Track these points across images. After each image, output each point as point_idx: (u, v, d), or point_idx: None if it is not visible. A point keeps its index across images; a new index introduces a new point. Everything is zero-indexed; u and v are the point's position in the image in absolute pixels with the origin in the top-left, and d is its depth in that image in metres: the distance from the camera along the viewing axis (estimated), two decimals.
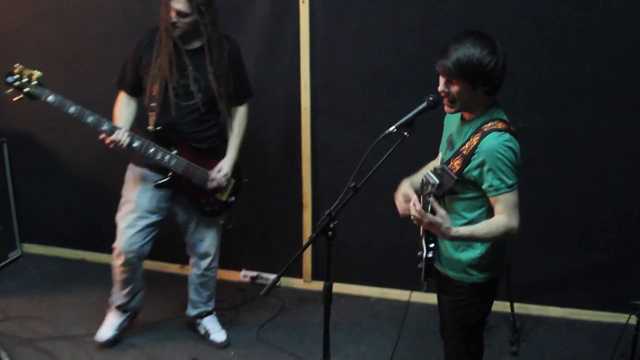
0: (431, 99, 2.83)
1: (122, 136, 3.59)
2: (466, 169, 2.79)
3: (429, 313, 4.04)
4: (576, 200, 4.20)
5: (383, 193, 3.84)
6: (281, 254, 4.59)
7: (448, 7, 4.08)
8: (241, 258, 4.83)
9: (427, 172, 2.81)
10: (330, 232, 2.78)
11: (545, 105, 4.10)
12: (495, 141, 2.73)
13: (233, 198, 3.96)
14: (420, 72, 4.11)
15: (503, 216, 2.77)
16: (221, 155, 3.86)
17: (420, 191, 2.77)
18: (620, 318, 3.91)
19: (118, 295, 4.02)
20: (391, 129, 2.78)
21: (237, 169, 3.92)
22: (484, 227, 2.78)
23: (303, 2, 4.25)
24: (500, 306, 4.03)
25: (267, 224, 4.74)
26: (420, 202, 2.73)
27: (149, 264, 4.33)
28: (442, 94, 2.79)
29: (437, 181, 2.70)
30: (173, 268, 4.88)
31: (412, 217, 2.72)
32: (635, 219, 4.16)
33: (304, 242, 4.46)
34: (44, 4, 4.61)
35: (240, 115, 3.89)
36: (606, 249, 4.24)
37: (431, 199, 2.71)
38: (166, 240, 4.08)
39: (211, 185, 3.82)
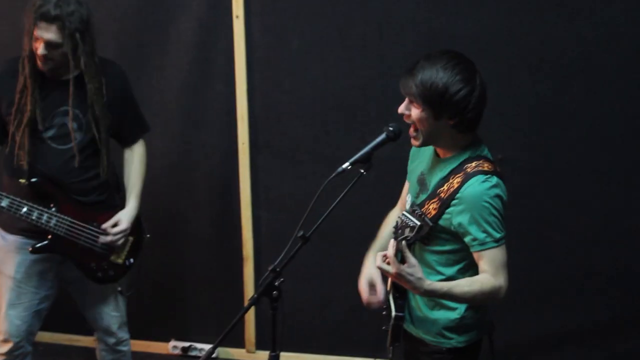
0: (391, 129, 2.82)
1: None
2: (444, 216, 2.76)
3: None
4: (567, 247, 4.20)
5: (338, 243, 3.79)
6: (218, 319, 4.54)
7: (407, 20, 4.10)
8: (169, 326, 4.76)
9: (403, 213, 2.79)
10: (275, 292, 2.74)
11: (527, 133, 4.13)
12: (481, 186, 2.71)
13: (132, 260, 3.84)
14: (378, 98, 4.12)
15: (488, 275, 2.74)
16: (116, 207, 3.74)
17: (395, 235, 2.75)
18: None
19: None
20: (345, 165, 2.76)
21: (137, 223, 3.80)
22: (464, 285, 2.74)
23: (237, 17, 4.25)
24: None
25: (200, 284, 4.69)
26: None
27: (54, 337, 4.21)
28: (404, 117, 2.78)
29: (418, 223, 2.67)
30: (87, 341, 4.74)
31: (377, 266, 2.70)
32: (637, 270, 4.16)
33: (245, 304, 4.39)
34: None
35: (137, 156, 3.81)
36: (604, 306, 4.24)
37: (403, 244, 2.67)
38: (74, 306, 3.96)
39: (103, 240, 3.69)
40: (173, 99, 4.32)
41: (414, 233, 2.66)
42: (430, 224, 2.72)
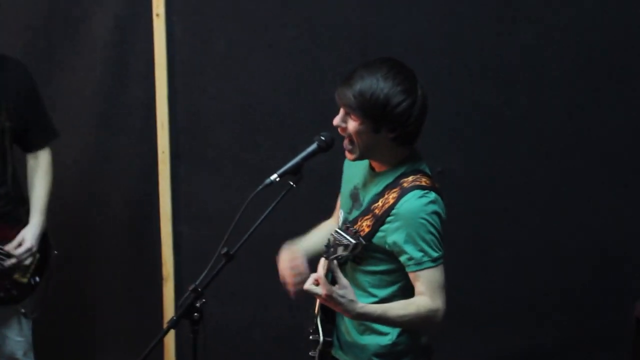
0: (323, 138, 2.83)
1: None
2: (378, 234, 2.78)
3: None
4: (512, 266, 4.24)
5: (266, 261, 3.76)
6: (135, 343, 4.48)
7: (340, 24, 4.12)
8: (81, 351, 4.70)
9: (336, 230, 2.80)
10: (196, 314, 2.73)
11: (468, 145, 4.17)
12: (418, 202, 2.73)
13: (38, 278, 3.79)
14: (310, 105, 4.14)
15: (425, 297, 2.75)
16: (20, 221, 3.70)
17: (326, 254, 2.74)
18: None
19: None
20: (273, 177, 2.76)
21: (43, 239, 3.76)
22: (399, 308, 2.76)
23: (157, 15, 4.22)
24: None
25: (115, 305, 4.64)
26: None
27: None
28: (339, 130, 2.79)
29: (353, 241, 2.68)
30: None
31: (305, 288, 2.70)
32: (587, 292, 4.21)
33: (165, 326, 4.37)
34: None
35: (42, 164, 3.77)
36: (551, 329, 4.28)
37: (334, 264, 2.68)
38: None
39: (8, 264, 3.63)
40: (86, 103, 4.27)
41: (347, 252, 2.67)
42: (364, 242, 2.74)
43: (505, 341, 4.32)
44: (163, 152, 4.38)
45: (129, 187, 4.50)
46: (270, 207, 2.73)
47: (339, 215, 3.07)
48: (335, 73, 4.06)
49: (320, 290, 2.64)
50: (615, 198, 4.09)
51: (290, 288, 2.93)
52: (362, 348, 2.89)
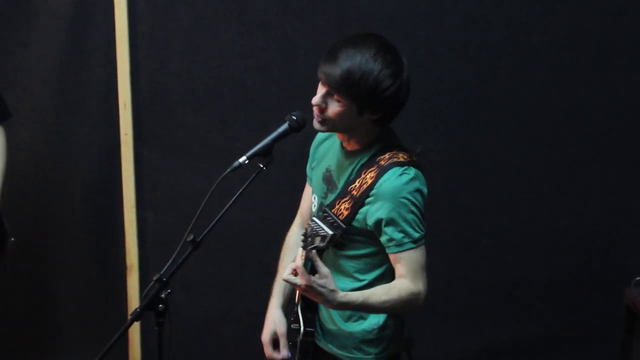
0: (294, 118, 2.83)
1: None
2: (358, 216, 2.79)
3: None
4: (495, 252, 4.28)
5: (236, 248, 3.79)
6: (98, 336, 4.39)
7: None
8: (39, 345, 4.69)
9: (312, 219, 2.81)
10: (161, 305, 2.72)
11: (450, 124, 4.19)
12: (398, 181, 2.74)
13: None
14: (282, 82, 4.14)
15: (406, 280, 2.78)
16: None
17: (304, 244, 2.77)
18: None
19: None
20: (241, 159, 2.76)
21: None
22: (381, 294, 2.77)
23: None
24: None
25: (76, 296, 4.63)
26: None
27: None
28: (315, 109, 2.79)
29: (331, 232, 2.68)
30: None
31: (283, 278, 2.71)
32: (575, 280, 4.26)
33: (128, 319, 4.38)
34: None
35: None
36: (536, 318, 4.33)
37: (313, 253, 2.69)
38: None
39: None
40: (41, 82, 4.24)
41: (325, 243, 2.68)
42: (344, 226, 2.76)
43: (490, 332, 4.36)
44: (126, 134, 4.37)
45: (90, 172, 4.49)
46: (239, 191, 2.73)
47: (305, 211, 3.11)
48: (308, 48, 4.06)
49: (299, 280, 2.65)
50: (604, 182, 4.13)
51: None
52: (349, 336, 2.92)
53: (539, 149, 4.14)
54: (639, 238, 4.15)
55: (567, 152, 4.13)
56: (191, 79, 4.31)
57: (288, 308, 3.04)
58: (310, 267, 2.71)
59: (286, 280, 2.69)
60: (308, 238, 2.75)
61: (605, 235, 4.16)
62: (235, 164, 2.75)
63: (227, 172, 2.72)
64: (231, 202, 2.73)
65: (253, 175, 2.76)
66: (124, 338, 4.26)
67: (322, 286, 2.66)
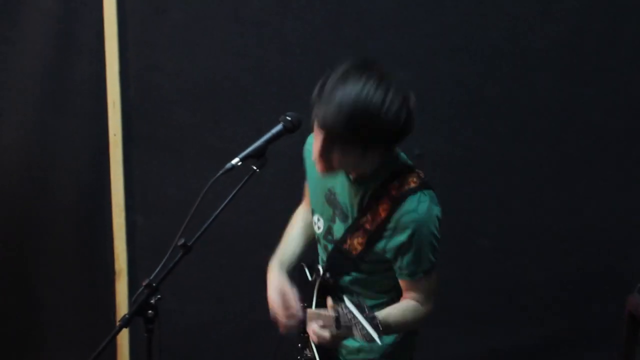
0: (289, 119, 2.82)
1: None
2: (375, 250, 2.82)
3: None
4: (496, 255, 4.29)
5: (228, 253, 3.79)
6: (86, 342, 4.47)
7: None
8: (24, 353, 4.70)
9: (346, 305, 2.63)
10: (150, 311, 2.72)
11: (449, 125, 4.20)
12: (420, 212, 2.74)
13: None
14: (276, 81, 4.15)
15: (417, 304, 2.84)
16: None
17: (309, 277, 2.85)
18: None
19: None
20: (234, 161, 2.75)
21: None
22: (397, 315, 2.81)
23: None
24: None
25: (63, 302, 4.64)
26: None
27: None
28: (319, 163, 2.76)
29: (375, 334, 2.48)
30: None
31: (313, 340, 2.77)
32: (576, 284, 4.28)
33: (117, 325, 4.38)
34: None
35: None
36: (537, 323, 4.35)
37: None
38: None
39: None
40: (29, 80, 4.25)
41: (364, 339, 2.55)
42: (359, 262, 2.84)
43: (489, 335, 4.39)
44: (115, 135, 4.37)
45: (77, 173, 4.49)
46: (232, 194, 2.73)
47: (310, 206, 3.10)
48: (305, 47, 4.07)
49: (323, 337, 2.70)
50: (607, 183, 4.14)
51: (282, 328, 2.98)
52: (369, 351, 2.97)
53: (539, 150, 4.15)
54: None
55: (568, 153, 4.14)
56: (183, 78, 4.31)
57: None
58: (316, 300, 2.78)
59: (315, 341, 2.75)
60: (341, 324, 2.62)
61: (607, 237, 4.17)
62: (228, 166, 2.74)
63: (219, 174, 2.71)
64: (224, 205, 2.73)
65: (246, 178, 2.76)
66: (113, 344, 4.25)
67: (337, 335, 2.69)
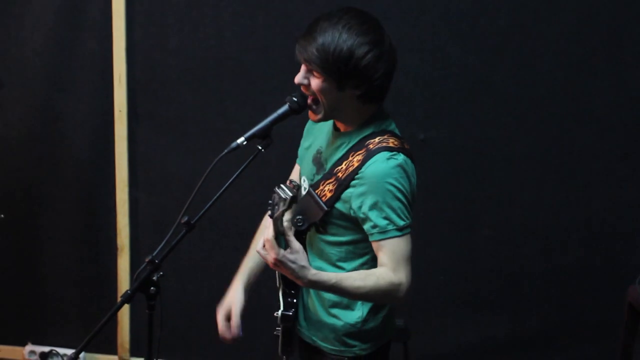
0: (294, 99, 2.81)
1: None
2: (342, 200, 2.78)
3: None
4: (496, 243, 4.28)
5: (230, 232, 3.78)
6: (85, 319, 4.53)
7: None
8: (25, 327, 4.71)
9: (279, 185, 2.76)
10: (153, 288, 2.73)
11: (452, 111, 4.18)
12: (384, 165, 2.72)
13: None
14: (282, 62, 4.12)
15: (387, 269, 2.75)
16: None
17: (270, 212, 2.74)
18: None
19: None
20: (239, 141, 2.75)
21: None
22: (356, 278, 2.75)
23: None
24: None
25: (65, 277, 4.65)
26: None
27: None
28: (302, 88, 2.79)
29: (290, 194, 2.65)
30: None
31: (257, 250, 2.73)
32: (575, 273, 4.26)
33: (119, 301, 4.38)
34: None
35: None
36: (536, 311, 4.33)
37: (286, 226, 2.69)
38: None
39: None
40: (35, 56, 4.25)
41: (285, 206, 2.65)
42: (326, 208, 2.76)
43: (488, 325, 4.36)
44: (120, 111, 4.37)
45: (82, 149, 4.50)
46: (236, 174, 2.72)
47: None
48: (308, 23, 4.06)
49: (269, 253, 2.66)
50: (609, 174, 4.12)
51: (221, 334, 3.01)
52: (331, 328, 2.91)
53: (542, 139, 4.13)
54: None
55: (571, 143, 4.12)
56: (189, 57, 4.30)
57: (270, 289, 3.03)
58: (284, 244, 2.69)
59: (258, 252, 2.71)
60: (275, 206, 2.71)
61: (608, 229, 4.16)
62: (233, 145, 2.73)
63: (224, 153, 2.71)
64: (227, 184, 2.72)
65: (251, 158, 2.75)
66: (113, 320, 4.26)
67: (293, 261, 2.66)
